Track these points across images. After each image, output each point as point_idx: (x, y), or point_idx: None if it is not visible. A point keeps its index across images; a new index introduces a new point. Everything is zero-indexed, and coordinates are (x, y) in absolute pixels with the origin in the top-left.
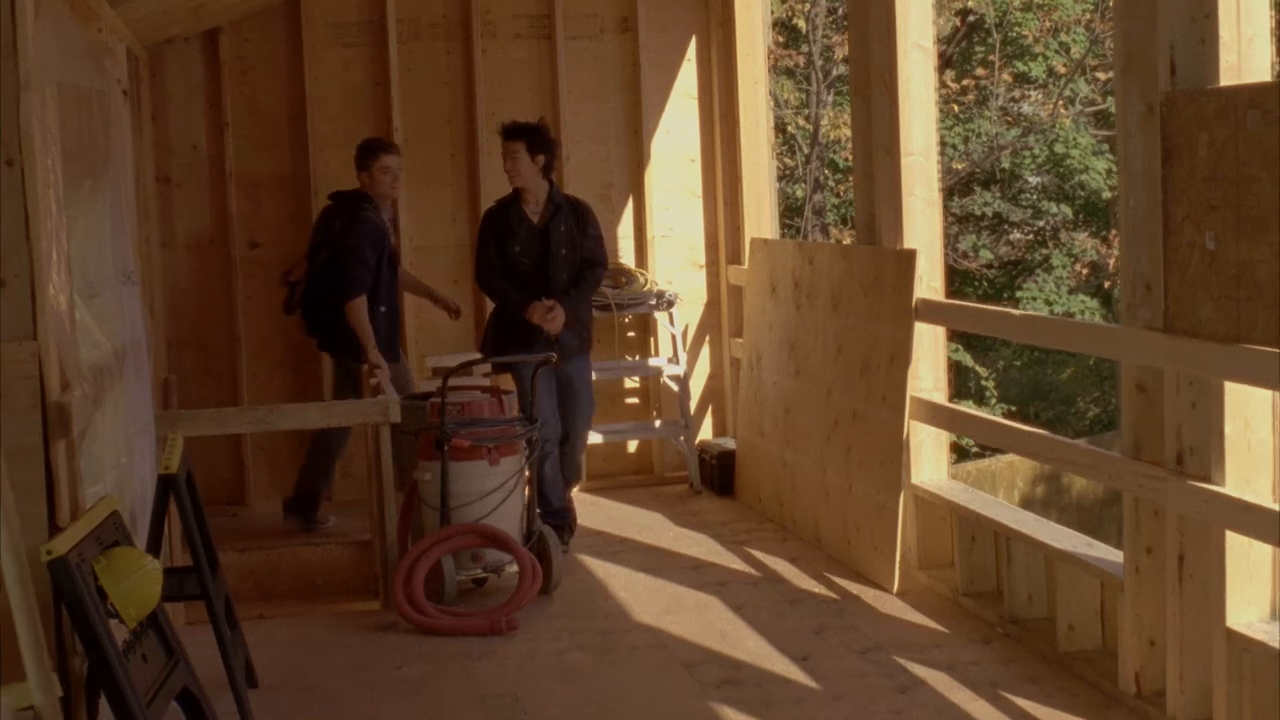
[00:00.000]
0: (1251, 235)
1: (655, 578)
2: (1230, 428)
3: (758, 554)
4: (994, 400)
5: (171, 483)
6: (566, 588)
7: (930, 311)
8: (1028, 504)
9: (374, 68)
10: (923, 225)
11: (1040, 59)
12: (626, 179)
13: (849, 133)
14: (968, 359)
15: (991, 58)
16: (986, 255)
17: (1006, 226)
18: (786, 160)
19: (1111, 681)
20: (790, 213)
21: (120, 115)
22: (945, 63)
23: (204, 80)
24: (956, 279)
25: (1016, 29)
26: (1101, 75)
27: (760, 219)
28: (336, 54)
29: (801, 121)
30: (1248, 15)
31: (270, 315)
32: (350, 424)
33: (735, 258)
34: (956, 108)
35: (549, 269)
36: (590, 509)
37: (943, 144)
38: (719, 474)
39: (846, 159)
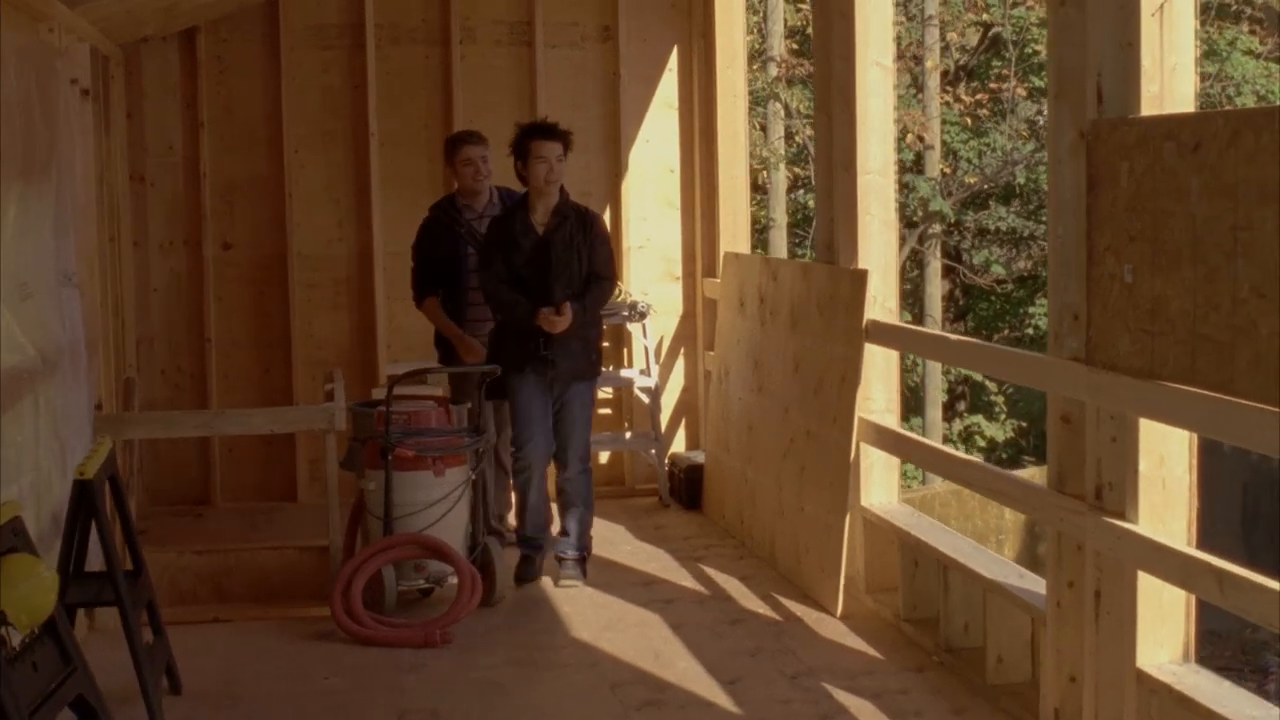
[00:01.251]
0: (1165, 269)
1: (603, 593)
2: (1145, 464)
3: (711, 571)
4: (1003, 417)
5: (86, 489)
6: (511, 600)
7: (879, 333)
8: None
9: (352, 71)
10: (878, 245)
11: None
12: (604, 188)
13: None
14: (978, 375)
15: (1006, 71)
16: (998, 270)
17: (1026, 241)
18: (798, 170)
19: (1034, 716)
20: (805, 223)
21: (70, 116)
22: (968, 75)
23: (180, 80)
24: (970, 295)
25: (1034, 44)
26: None
27: (735, 232)
28: (315, 56)
29: (811, 131)
30: (1171, 44)
31: (242, 317)
32: (297, 430)
33: (711, 270)
34: (970, 121)
35: (550, 283)
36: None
37: (956, 157)
38: (687, 488)
39: None
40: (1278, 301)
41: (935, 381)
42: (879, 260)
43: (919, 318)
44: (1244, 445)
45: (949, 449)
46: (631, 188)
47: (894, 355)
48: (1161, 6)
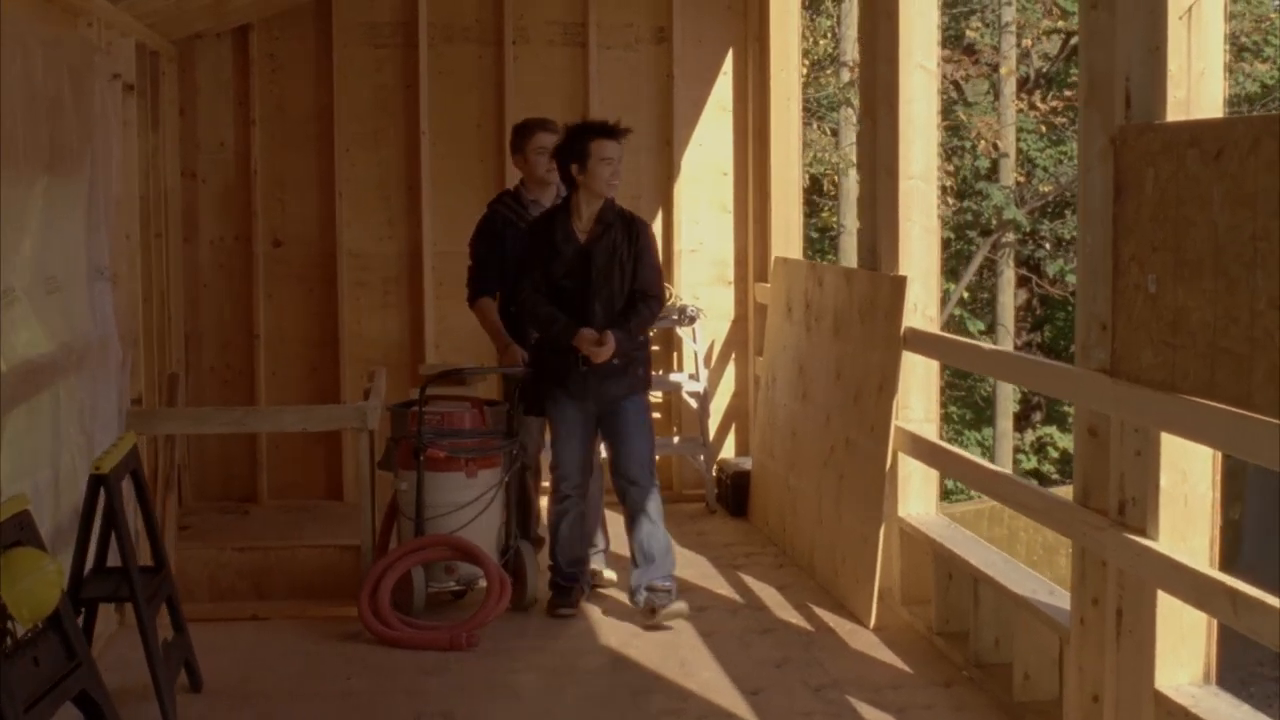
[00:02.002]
0: (1187, 280)
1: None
2: (1166, 480)
3: (749, 579)
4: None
5: (103, 483)
6: (543, 604)
7: (917, 341)
8: None
9: (404, 70)
10: (919, 252)
11: None
12: (656, 191)
13: None
14: None
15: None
16: (1073, 280)
17: None
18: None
19: None
20: None
21: (109, 110)
22: (1047, 82)
23: (233, 77)
24: (1048, 305)
25: None
26: None
27: (787, 237)
28: (367, 54)
29: None
30: (1199, 49)
31: (291, 314)
32: (329, 429)
33: (762, 275)
34: (1046, 128)
35: (591, 298)
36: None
37: (1032, 164)
38: (734, 494)
39: None
40: None
41: (1006, 392)
42: (920, 267)
43: (991, 327)
44: (1261, 462)
45: (981, 460)
46: (684, 190)
47: (934, 364)
48: (1190, 10)
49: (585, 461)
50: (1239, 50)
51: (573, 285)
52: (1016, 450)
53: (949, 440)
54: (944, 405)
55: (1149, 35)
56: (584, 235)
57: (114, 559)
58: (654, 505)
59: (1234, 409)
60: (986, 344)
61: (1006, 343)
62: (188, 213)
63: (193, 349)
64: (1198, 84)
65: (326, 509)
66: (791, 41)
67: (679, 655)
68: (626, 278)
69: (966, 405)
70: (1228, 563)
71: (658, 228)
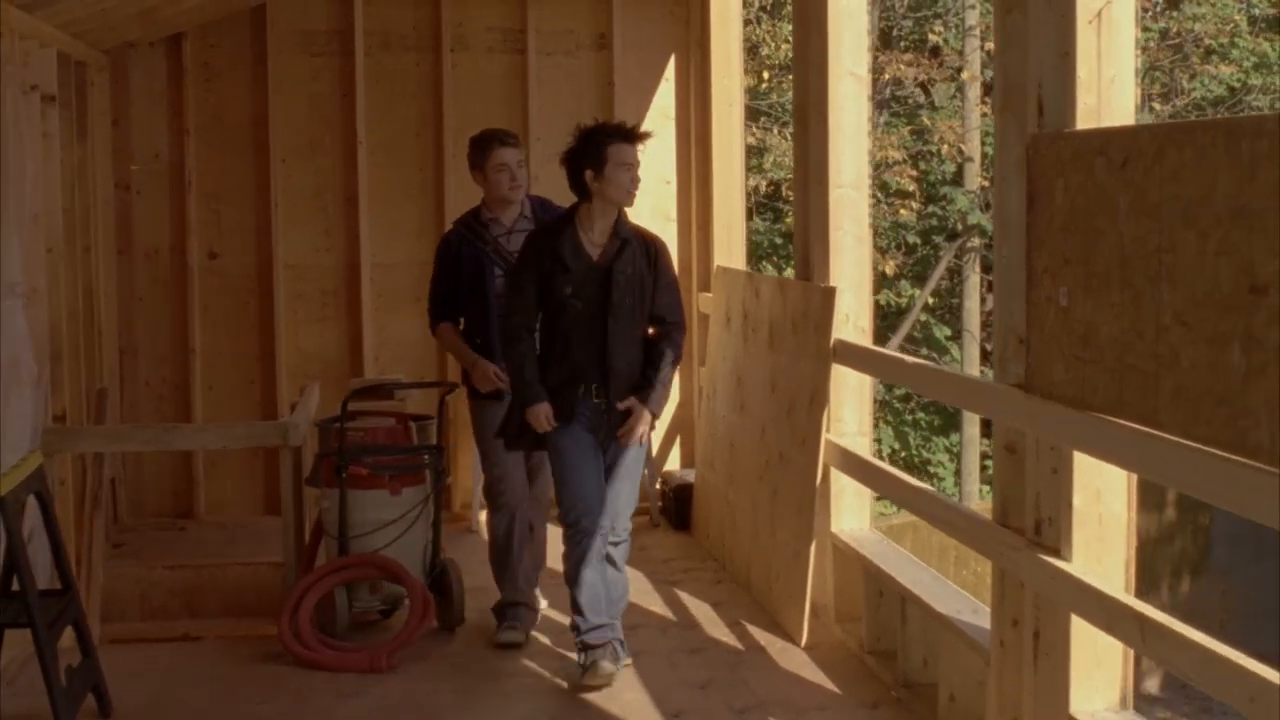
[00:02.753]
0: (1096, 293)
1: (568, 618)
2: (1079, 499)
3: (685, 596)
4: None
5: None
6: (471, 625)
7: (845, 354)
8: None
9: (341, 78)
10: (850, 262)
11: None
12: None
13: (894, 154)
14: None
15: None
16: None
17: None
18: None
19: None
20: None
21: (21, 123)
22: None
23: (167, 86)
24: None
25: None
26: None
27: (730, 246)
28: (303, 63)
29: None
30: (1110, 55)
31: (227, 327)
32: (251, 446)
33: (706, 285)
34: None
35: (608, 322)
36: None
37: None
38: (676, 507)
39: (897, 179)
40: (1199, 330)
41: None
42: (851, 277)
43: (958, 333)
44: (1167, 484)
45: (905, 476)
46: None
47: (865, 377)
48: (1100, 14)
49: (602, 492)
50: (1206, 53)
51: (584, 306)
52: (984, 456)
53: (919, 446)
54: (912, 411)
55: (1060, 40)
56: (598, 251)
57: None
58: (624, 554)
59: (1142, 428)
60: (910, 358)
61: (973, 348)
62: (122, 225)
63: (127, 363)
64: (1108, 90)
65: (264, 525)
66: (733, 47)
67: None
68: (645, 301)
69: (935, 411)
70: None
71: None
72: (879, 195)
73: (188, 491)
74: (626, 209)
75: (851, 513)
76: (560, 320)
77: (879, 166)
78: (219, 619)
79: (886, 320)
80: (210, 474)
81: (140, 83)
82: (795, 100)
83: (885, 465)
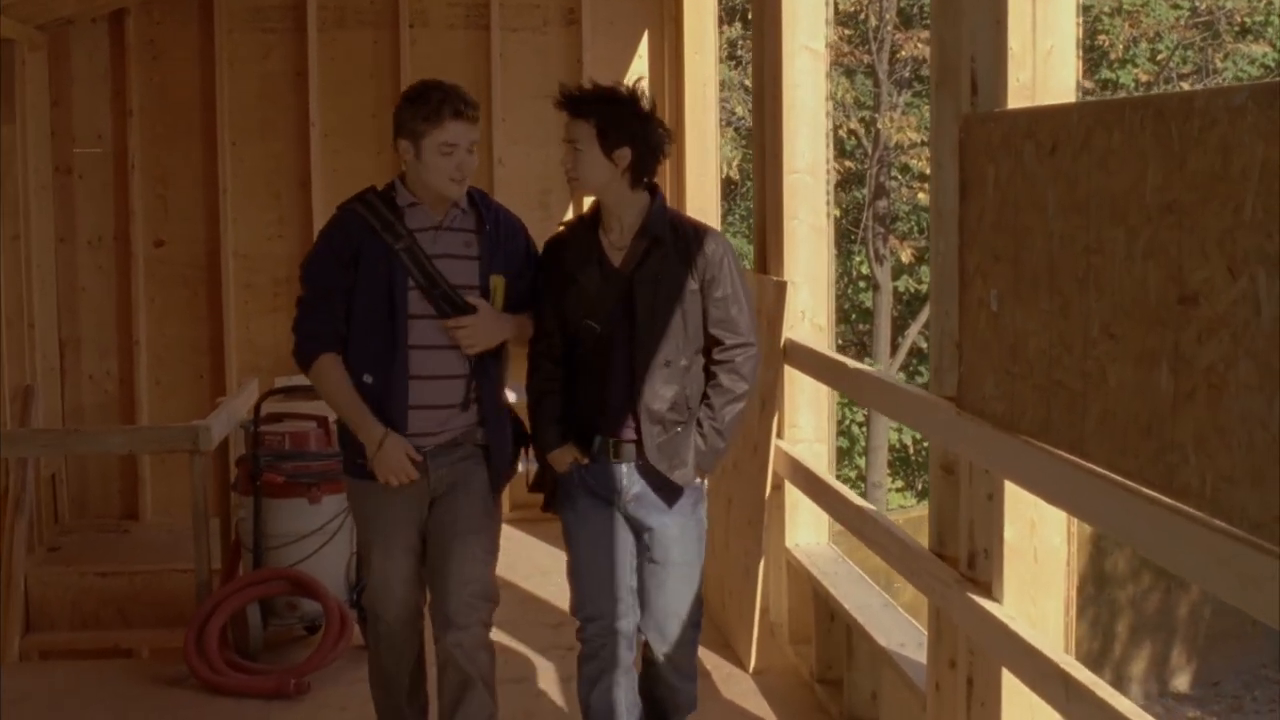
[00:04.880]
0: (1026, 298)
1: (506, 635)
2: (1012, 531)
3: None
4: None
5: None
6: None
7: (795, 354)
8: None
9: (294, 56)
10: (806, 253)
11: (1128, 66)
12: (565, 185)
13: (914, 136)
14: None
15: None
16: None
17: None
18: (848, 163)
19: None
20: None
21: None
22: None
23: (110, 66)
24: None
25: (1104, 36)
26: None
27: None
28: (253, 40)
29: (854, 124)
30: (1047, 23)
31: (175, 319)
32: (158, 451)
33: None
34: None
35: (633, 348)
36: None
37: None
38: None
39: (916, 161)
40: (1127, 345)
41: None
42: (807, 270)
43: None
44: (1094, 525)
45: (847, 493)
46: None
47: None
48: None
49: (628, 594)
50: (1240, 30)
51: (603, 330)
52: None
53: (895, 432)
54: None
55: (993, 7)
56: (619, 255)
57: None
58: (690, 697)
59: (1069, 457)
60: (851, 362)
61: None
62: (63, 211)
63: (69, 356)
64: (1044, 64)
65: (213, 528)
66: (707, 23)
67: (524, 705)
68: (692, 318)
69: None
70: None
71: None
72: (899, 178)
73: (132, 491)
74: (634, 194)
75: (807, 526)
76: (576, 351)
77: (899, 148)
78: (154, 629)
79: (910, 307)
80: (157, 473)
81: (81, 62)
82: (754, 78)
83: (829, 479)
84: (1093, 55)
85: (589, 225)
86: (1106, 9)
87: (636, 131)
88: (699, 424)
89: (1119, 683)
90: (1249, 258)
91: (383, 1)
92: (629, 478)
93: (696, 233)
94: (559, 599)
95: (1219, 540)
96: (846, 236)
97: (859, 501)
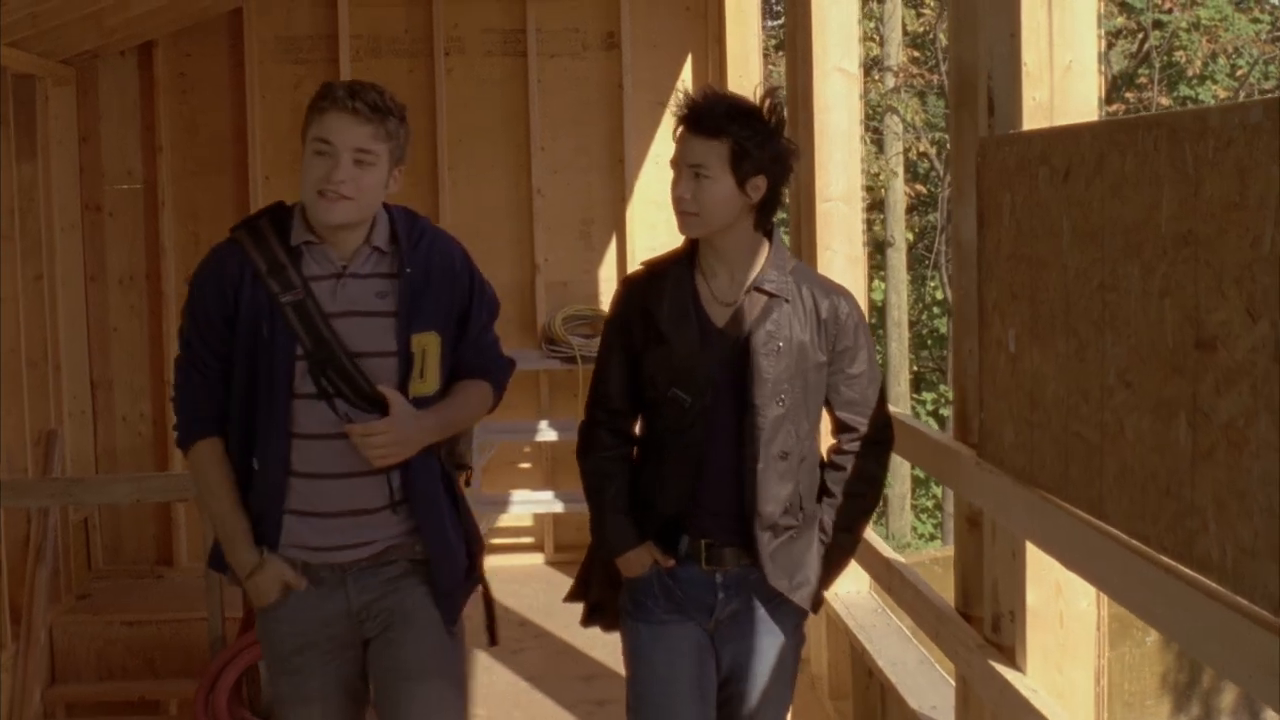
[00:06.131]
0: (1043, 338)
1: (533, 689)
2: (1035, 595)
3: None
4: None
5: None
6: None
7: None
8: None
9: None
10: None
11: (1206, 83)
12: (609, 214)
13: None
14: None
15: (1142, 80)
16: None
17: None
18: (919, 187)
19: None
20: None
21: None
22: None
23: (139, 100)
24: None
25: (1181, 51)
26: None
27: None
28: (286, 71)
29: (925, 146)
30: (1064, 36)
31: None
32: (168, 500)
33: None
34: None
35: (743, 434)
36: (531, 588)
37: None
38: None
39: None
40: (1144, 394)
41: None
42: None
43: None
44: (1113, 598)
45: (878, 543)
46: (637, 213)
47: None
48: None
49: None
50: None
51: (697, 404)
52: None
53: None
54: None
55: (1007, 19)
56: (726, 311)
57: None
58: None
59: (1087, 518)
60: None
61: None
62: (92, 250)
63: (100, 398)
64: (1062, 81)
65: None
66: (750, 44)
67: None
68: (814, 403)
69: None
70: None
71: (613, 254)
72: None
73: (167, 536)
74: (754, 236)
75: (847, 575)
76: (658, 426)
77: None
78: (181, 680)
79: None
80: (191, 517)
81: (109, 96)
82: (787, 102)
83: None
84: (1170, 72)
85: (683, 268)
86: (1183, 25)
87: (773, 157)
88: (823, 531)
89: (1208, 716)
90: (1269, 297)
91: (417, 30)
92: (725, 590)
93: (827, 291)
94: (592, 648)
95: (1238, 621)
96: (920, 261)
97: (889, 553)
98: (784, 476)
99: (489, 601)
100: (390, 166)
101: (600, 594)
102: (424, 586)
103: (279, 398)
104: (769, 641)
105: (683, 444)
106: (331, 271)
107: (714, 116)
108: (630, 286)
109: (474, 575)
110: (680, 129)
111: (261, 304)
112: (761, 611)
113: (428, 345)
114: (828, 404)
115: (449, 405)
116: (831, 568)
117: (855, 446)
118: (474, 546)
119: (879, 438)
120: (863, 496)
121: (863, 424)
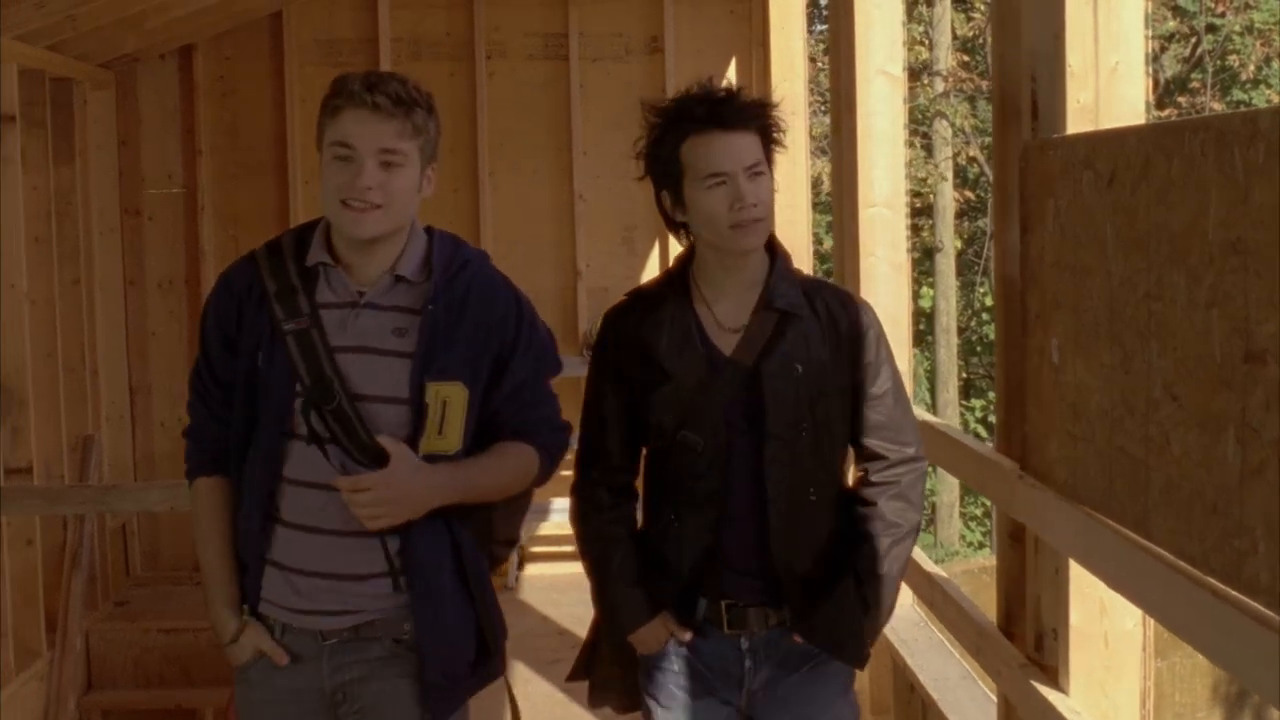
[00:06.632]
0: (1086, 349)
1: (570, 700)
2: (1079, 614)
3: None
4: None
5: None
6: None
7: None
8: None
9: None
10: (886, 293)
11: (1260, 87)
12: (652, 220)
13: None
14: None
15: (1195, 85)
16: None
17: None
18: (969, 193)
19: None
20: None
21: None
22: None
23: (179, 103)
24: None
25: (1234, 55)
26: None
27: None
28: (326, 75)
29: (974, 151)
30: (1110, 37)
31: None
32: None
33: None
34: None
35: (763, 474)
36: (570, 597)
37: None
38: None
39: None
40: (1190, 408)
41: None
42: (886, 311)
43: None
44: (1160, 620)
45: (920, 557)
46: None
47: None
48: None
49: None
50: None
51: (710, 445)
52: None
53: None
54: None
55: (1051, 19)
56: (732, 339)
57: None
58: None
59: (1132, 536)
60: (924, 415)
61: None
62: (132, 254)
63: (139, 404)
64: (1108, 83)
65: None
66: (795, 47)
67: None
68: (840, 431)
69: None
70: None
71: (655, 262)
72: None
73: None
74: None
75: None
76: (667, 475)
77: None
78: (218, 688)
79: None
80: None
81: (149, 100)
82: (831, 105)
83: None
84: (1223, 76)
85: (677, 293)
86: (1237, 28)
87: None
88: (858, 576)
89: None
90: None
91: (459, 33)
92: (753, 656)
93: (843, 301)
94: None
95: None
96: (969, 267)
97: (930, 567)
98: (814, 519)
99: (515, 708)
100: (422, 166)
101: (608, 671)
102: (409, 678)
103: (272, 436)
104: (814, 711)
105: (697, 493)
106: (346, 299)
107: (742, 105)
108: (618, 321)
109: (490, 670)
110: (703, 131)
111: (262, 330)
112: (801, 677)
113: (450, 397)
114: (851, 430)
115: (470, 465)
116: (876, 615)
117: (888, 476)
118: (490, 636)
119: (911, 462)
120: (897, 527)
121: (892, 450)
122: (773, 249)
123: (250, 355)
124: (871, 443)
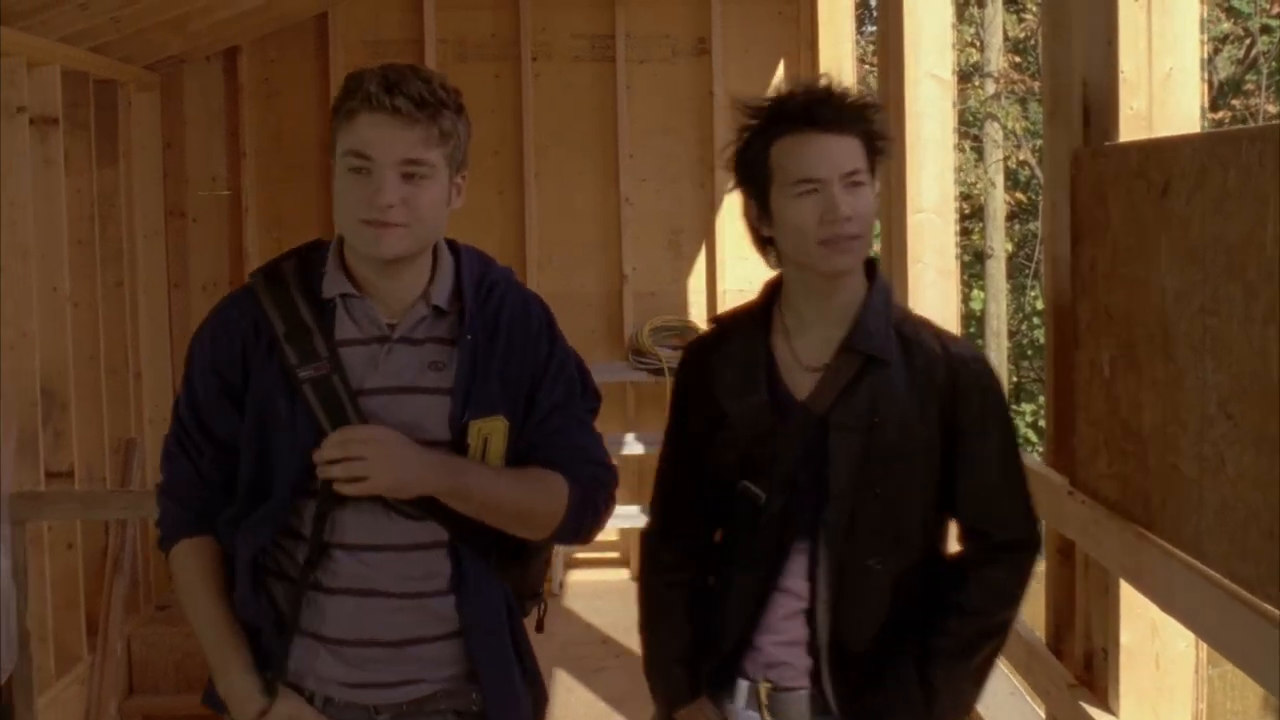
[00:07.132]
0: (1139, 363)
1: (613, 711)
2: (1129, 635)
3: None
4: None
5: None
6: None
7: None
8: None
9: None
10: (933, 300)
11: None
12: (699, 224)
13: None
14: None
15: (1249, 87)
16: None
17: None
18: (1019, 195)
19: None
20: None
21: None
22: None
23: (224, 105)
24: None
25: None
26: None
27: None
28: None
29: (1025, 154)
30: (1164, 42)
31: None
32: None
33: None
34: None
35: (818, 538)
36: (614, 604)
37: None
38: None
39: None
40: (1246, 427)
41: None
42: (936, 318)
43: None
44: (1208, 643)
45: None
46: (728, 223)
47: None
48: None
49: None
50: None
51: (773, 502)
52: None
53: None
54: None
55: (1104, 23)
56: (809, 380)
57: None
58: None
59: (1185, 557)
60: None
61: None
62: (177, 256)
63: None
64: (1162, 90)
65: None
66: (844, 49)
67: None
68: (925, 498)
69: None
70: None
71: (702, 266)
72: None
73: None
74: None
75: None
76: (730, 532)
77: None
78: None
79: None
80: None
81: (194, 101)
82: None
83: None
84: (1279, 78)
85: (755, 323)
86: None
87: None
88: (929, 666)
89: None
90: None
91: (504, 34)
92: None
93: (945, 349)
94: None
95: None
96: (1020, 270)
97: None
98: (875, 594)
99: None
100: (451, 175)
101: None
102: None
103: (283, 497)
104: None
105: (751, 553)
106: (375, 334)
107: (843, 105)
108: (689, 354)
109: None
110: (796, 131)
111: (276, 379)
112: None
113: (492, 434)
114: (950, 501)
115: (485, 467)
116: (938, 708)
117: (982, 556)
118: (539, 700)
119: (1015, 550)
120: (983, 620)
121: (997, 530)
122: (872, 275)
123: (263, 408)
124: (970, 517)
